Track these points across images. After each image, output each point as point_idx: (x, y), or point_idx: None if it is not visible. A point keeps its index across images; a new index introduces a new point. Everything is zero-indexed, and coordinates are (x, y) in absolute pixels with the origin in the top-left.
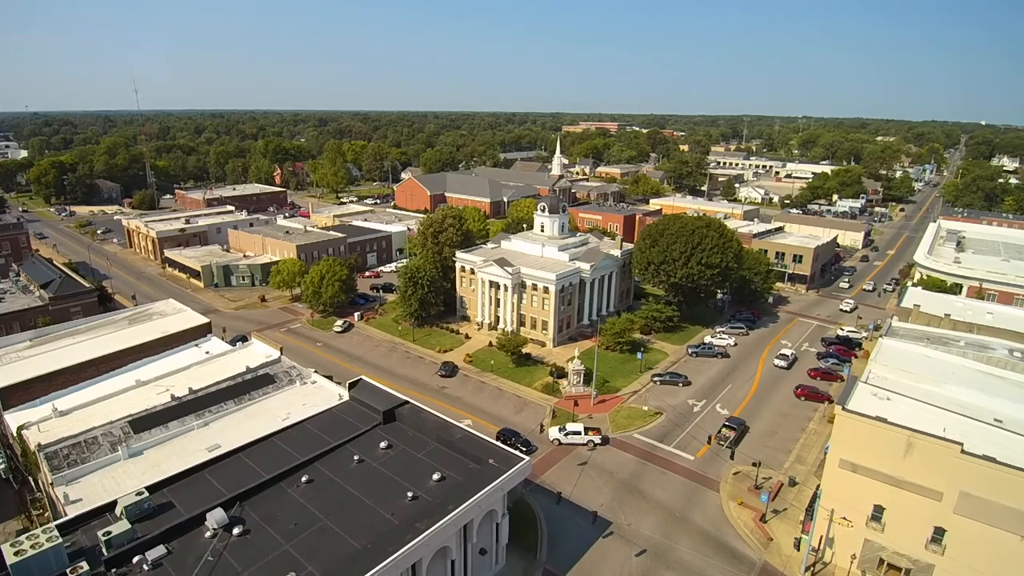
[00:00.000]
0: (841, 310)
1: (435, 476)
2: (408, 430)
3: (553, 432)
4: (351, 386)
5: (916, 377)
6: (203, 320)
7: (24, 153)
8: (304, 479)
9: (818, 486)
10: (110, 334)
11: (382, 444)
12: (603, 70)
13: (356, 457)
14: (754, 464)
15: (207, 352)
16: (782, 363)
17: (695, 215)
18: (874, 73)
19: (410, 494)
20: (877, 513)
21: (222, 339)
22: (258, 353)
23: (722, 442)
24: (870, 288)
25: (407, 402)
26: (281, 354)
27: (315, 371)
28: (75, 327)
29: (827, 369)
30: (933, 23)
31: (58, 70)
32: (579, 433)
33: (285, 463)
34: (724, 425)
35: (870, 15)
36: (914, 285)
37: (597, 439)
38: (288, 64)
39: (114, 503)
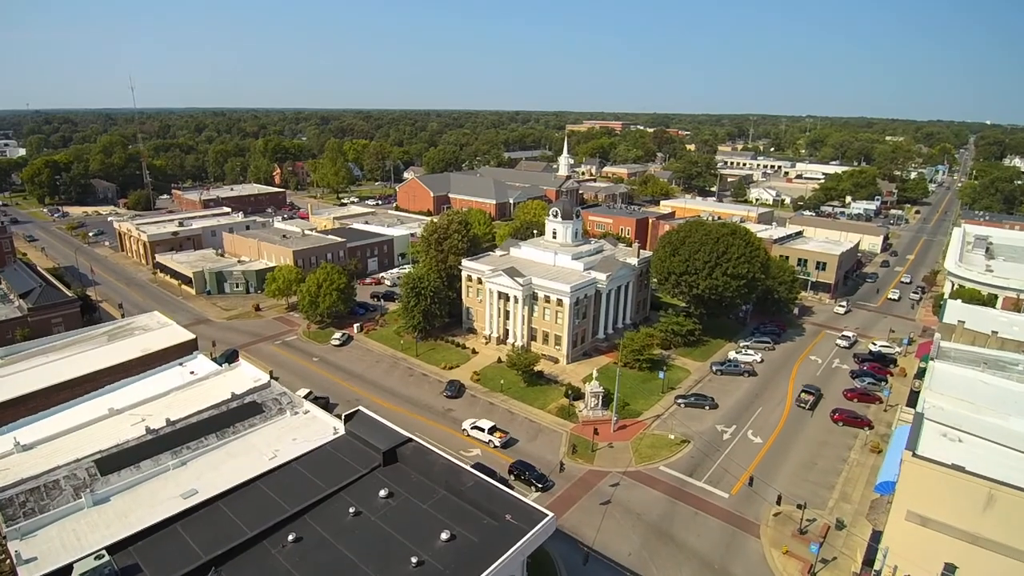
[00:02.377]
0: (836, 312)
1: (443, 535)
2: (412, 474)
3: (465, 423)
4: (347, 418)
5: (977, 408)
6: (189, 336)
7: (22, 151)
8: (291, 537)
9: (872, 534)
10: (87, 351)
11: (382, 492)
12: (605, 69)
13: (352, 509)
14: (799, 506)
15: (192, 372)
16: (844, 343)
17: (712, 219)
18: (878, 72)
19: (415, 559)
20: (948, 572)
21: (211, 354)
22: (245, 376)
23: (802, 405)
24: (895, 298)
25: (410, 439)
26: (271, 378)
27: (311, 392)
28: (51, 343)
29: (864, 390)
30: (935, 21)
31: (59, 68)
32: (482, 430)
33: (270, 516)
34: (803, 390)
35: (872, 13)
36: (952, 297)
37: (498, 441)
38: (290, 62)
39: (70, 568)
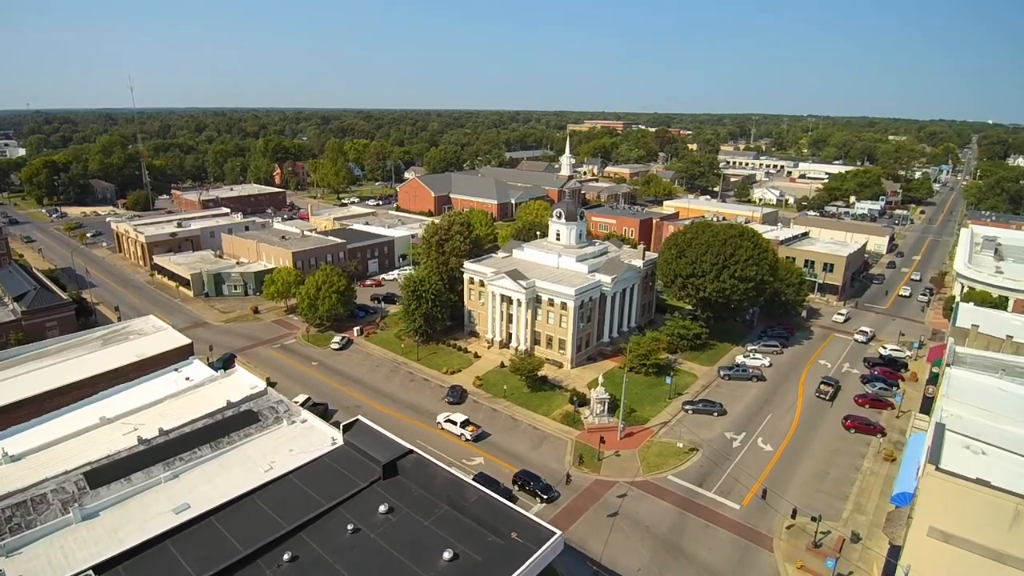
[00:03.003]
0: (834, 321)
1: (446, 554)
2: (413, 488)
3: (439, 417)
4: (346, 428)
5: (996, 417)
6: (184, 341)
7: (22, 151)
8: (287, 556)
9: (889, 548)
10: (81, 357)
11: (382, 508)
12: (605, 69)
13: (350, 526)
14: (813, 519)
15: (187, 378)
16: (862, 338)
17: (717, 220)
18: (879, 71)
19: None
20: None
21: (207, 358)
22: (242, 383)
23: (821, 396)
24: (906, 294)
25: (411, 451)
26: (268, 385)
27: (309, 398)
28: (44, 348)
29: (876, 395)
30: (935, 21)
31: (59, 68)
32: (455, 423)
33: (265, 533)
34: (822, 382)
35: (872, 13)
36: (964, 300)
37: (470, 434)
38: (291, 62)
39: None
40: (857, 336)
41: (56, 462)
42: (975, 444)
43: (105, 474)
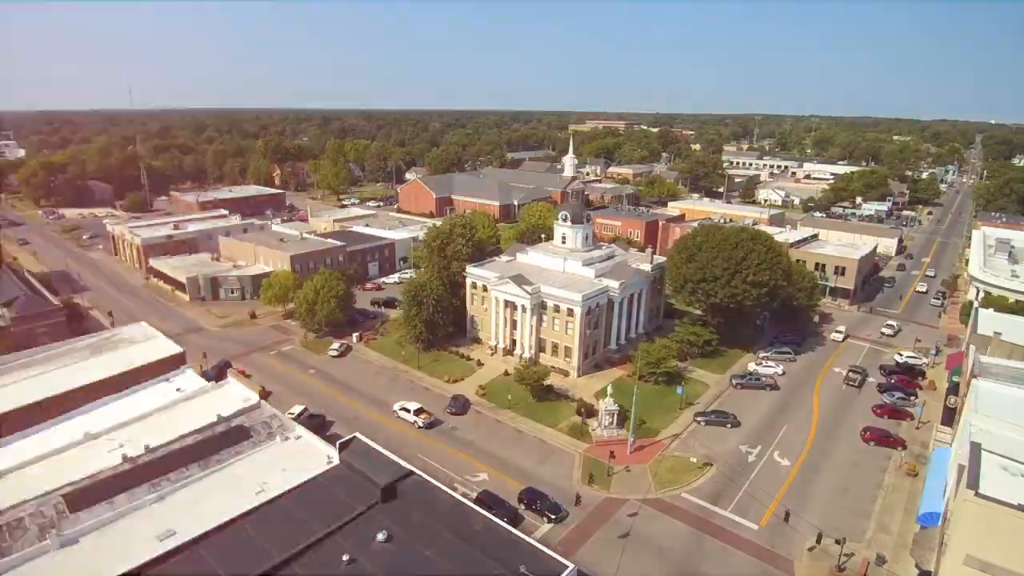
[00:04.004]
0: (834, 340)
1: None
2: (413, 513)
3: (395, 406)
4: (342, 446)
5: None
6: (177, 350)
7: (22, 152)
8: None
9: (919, 574)
10: (68, 366)
11: (380, 535)
12: (607, 69)
13: (346, 556)
14: (837, 541)
15: (178, 389)
16: (889, 332)
17: (724, 222)
18: (880, 71)
19: None
20: None
21: (201, 366)
22: (233, 396)
23: (850, 383)
24: (923, 290)
25: (412, 473)
26: (261, 398)
27: (306, 408)
28: (31, 356)
29: (894, 406)
30: (936, 21)
31: (60, 68)
32: (409, 411)
33: (254, 564)
34: (850, 369)
35: (873, 12)
36: (983, 305)
37: (422, 422)
38: (291, 61)
39: None
40: (884, 329)
41: (36, 482)
42: (1012, 465)
43: (86, 496)
